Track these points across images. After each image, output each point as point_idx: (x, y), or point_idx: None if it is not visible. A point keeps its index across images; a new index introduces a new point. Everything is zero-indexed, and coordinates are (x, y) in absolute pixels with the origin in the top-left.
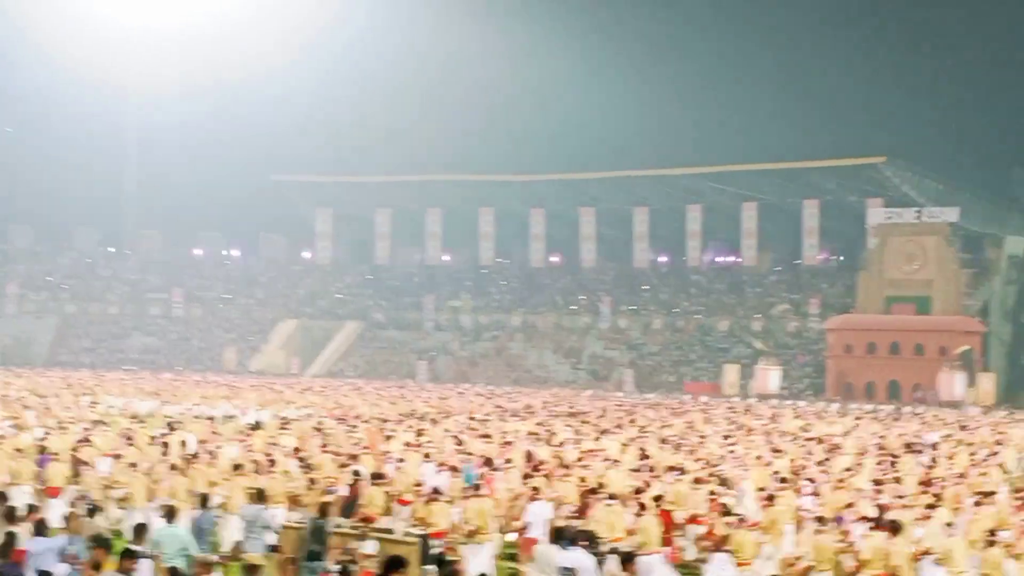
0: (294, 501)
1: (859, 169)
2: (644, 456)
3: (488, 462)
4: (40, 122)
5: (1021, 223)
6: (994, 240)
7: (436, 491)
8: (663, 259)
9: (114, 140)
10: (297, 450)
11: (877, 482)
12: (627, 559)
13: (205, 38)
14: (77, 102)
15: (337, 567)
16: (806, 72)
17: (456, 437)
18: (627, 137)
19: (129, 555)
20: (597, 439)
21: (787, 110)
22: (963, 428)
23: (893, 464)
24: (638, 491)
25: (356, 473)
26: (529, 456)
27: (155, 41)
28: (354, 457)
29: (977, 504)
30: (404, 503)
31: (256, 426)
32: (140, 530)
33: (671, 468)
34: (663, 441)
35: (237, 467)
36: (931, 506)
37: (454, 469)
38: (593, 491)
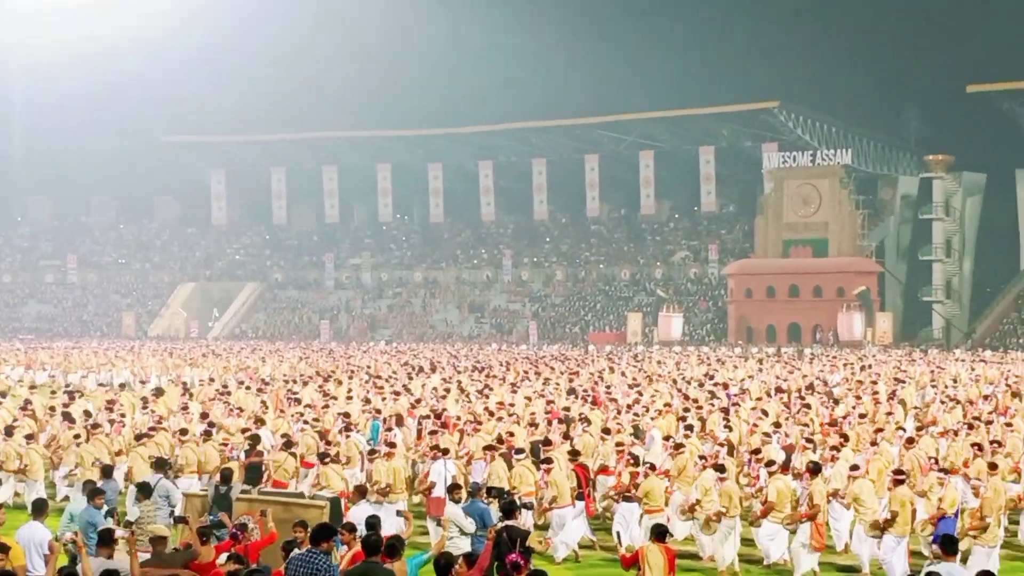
0: (201, 468)
1: (753, 114)
2: (551, 408)
3: (396, 420)
4: None
5: (913, 163)
6: (888, 180)
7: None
8: (563, 210)
9: None
10: (203, 416)
11: (778, 425)
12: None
13: (89, 2)
14: None
15: (232, 532)
16: (698, 19)
17: (364, 397)
18: (523, 89)
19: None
20: (513, 393)
21: (680, 58)
22: (864, 368)
23: (805, 406)
24: (548, 444)
25: (254, 439)
26: (436, 413)
27: (38, 5)
28: (259, 421)
29: (873, 444)
30: (308, 465)
31: (158, 392)
32: (40, 505)
33: (580, 419)
34: (570, 392)
35: (139, 437)
36: (835, 447)
37: (347, 428)
38: (493, 447)
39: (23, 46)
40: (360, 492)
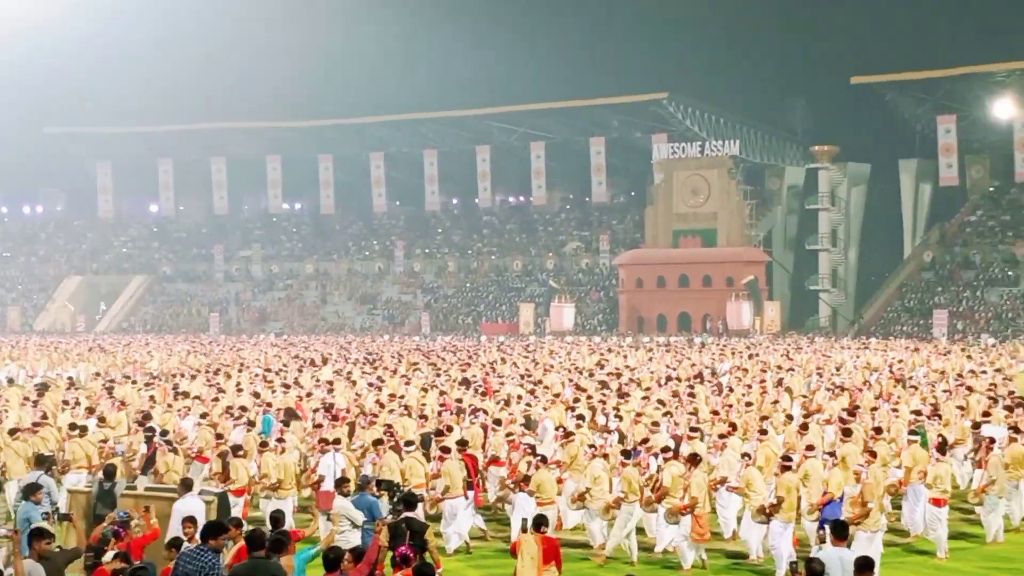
0: (88, 464)
1: (643, 106)
2: (443, 399)
3: (287, 414)
4: None
5: (799, 154)
6: (775, 171)
7: (236, 447)
8: (455, 201)
9: None
10: (89, 411)
11: (668, 413)
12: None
13: None
14: None
15: (114, 529)
16: (589, 11)
17: (253, 391)
18: (414, 80)
19: None
20: (404, 385)
21: (571, 49)
22: (751, 357)
23: (691, 395)
24: (440, 435)
25: (150, 431)
26: (325, 406)
27: None
28: (146, 416)
29: (763, 432)
30: (203, 460)
31: (43, 387)
32: None
33: (472, 411)
34: (462, 383)
35: (13, 432)
36: (723, 435)
37: (251, 424)
38: (382, 440)
39: None
40: (185, 486)
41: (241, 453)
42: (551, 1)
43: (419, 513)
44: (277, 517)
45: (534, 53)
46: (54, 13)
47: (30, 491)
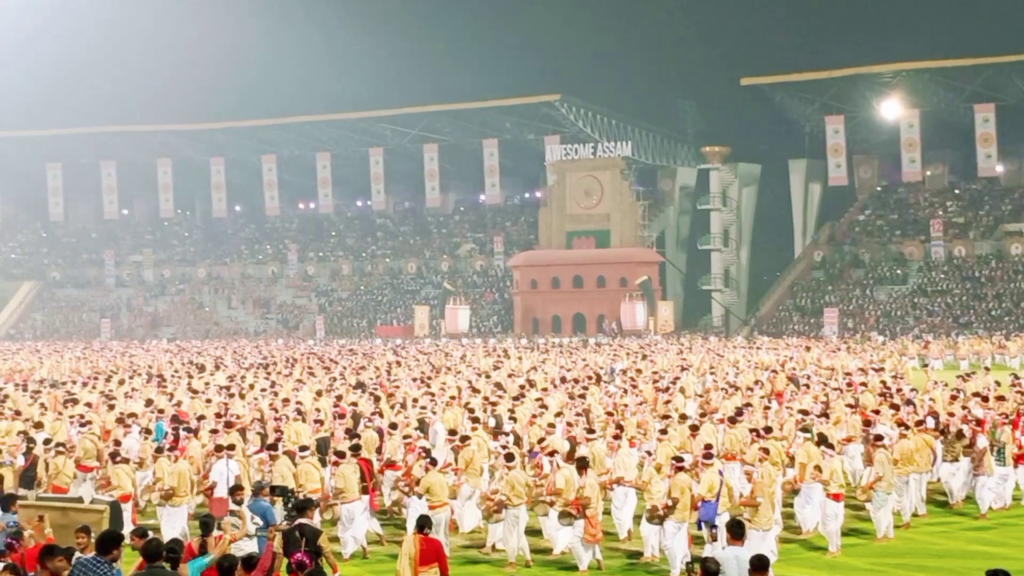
0: None
1: (535, 107)
2: (338, 403)
3: (180, 420)
4: None
5: (691, 155)
6: (667, 172)
7: (114, 454)
8: (348, 204)
9: None
10: None
11: (561, 414)
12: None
13: None
14: None
15: (8, 541)
16: (481, 12)
17: (147, 397)
18: (308, 82)
19: None
20: (295, 390)
21: (463, 51)
22: (645, 357)
23: (583, 396)
24: (336, 440)
25: (31, 441)
26: (218, 412)
27: None
28: (38, 425)
29: (663, 432)
30: (86, 469)
31: None
32: None
33: (372, 414)
34: (357, 387)
35: None
36: (616, 436)
37: (147, 431)
38: (274, 445)
39: None
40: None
41: (119, 460)
42: (444, 2)
43: (315, 519)
44: (207, 522)
45: (427, 55)
46: None
47: None
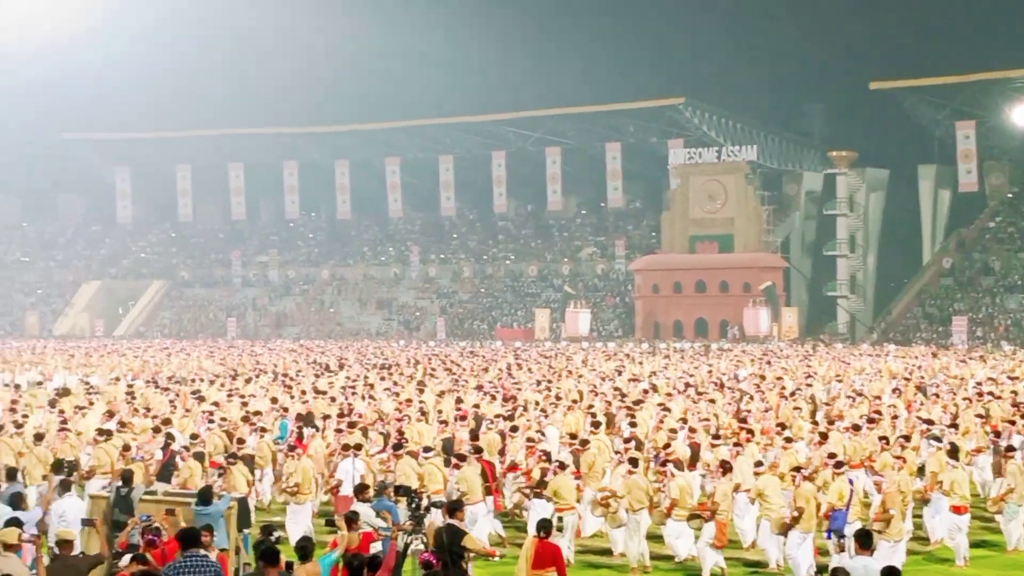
0: (111, 469)
1: (659, 111)
2: (460, 405)
3: (304, 418)
4: None
5: (817, 159)
6: (792, 176)
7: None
8: (470, 207)
9: None
10: (110, 414)
11: (685, 420)
12: (454, 508)
13: None
14: None
15: (149, 538)
16: (605, 15)
17: (271, 396)
18: (431, 86)
19: None
20: (418, 391)
21: (587, 54)
22: (769, 363)
23: (710, 401)
24: (459, 442)
25: (169, 437)
26: (344, 411)
27: None
28: (167, 421)
29: (789, 441)
30: (215, 466)
31: (63, 392)
32: None
33: (495, 417)
34: (478, 389)
35: (38, 437)
36: (738, 444)
37: (262, 430)
38: (399, 445)
39: None
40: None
41: (232, 461)
42: (569, 6)
43: (435, 520)
44: (351, 518)
45: (551, 58)
46: (74, 20)
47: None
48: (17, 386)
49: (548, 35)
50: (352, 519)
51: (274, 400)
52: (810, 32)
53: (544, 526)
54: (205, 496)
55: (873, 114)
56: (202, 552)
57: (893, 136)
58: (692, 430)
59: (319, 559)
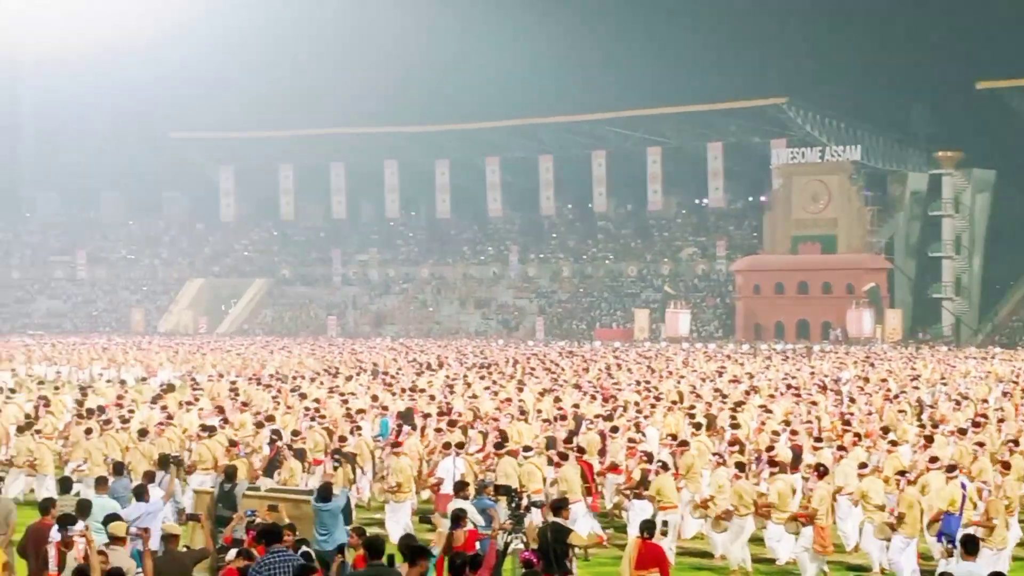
0: (214, 465)
1: (761, 110)
2: (559, 405)
3: (404, 416)
4: None
5: (922, 159)
6: (897, 177)
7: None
8: (569, 206)
9: (8, 102)
10: (219, 410)
11: (787, 423)
12: (559, 506)
13: None
14: None
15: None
16: (707, 14)
17: (371, 393)
18: (531, 85)
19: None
20: (518, 390)
21: (689, 53)
22: (872, 365)
23: (812, 403)
24: (558, 441)
25: (275, 433)
26: (444, 410)
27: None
28: (270, 418)
29: (895, 444)
30: (316, 463)
31: (168, 388)
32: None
33: (594, 417)
34: (577, 388)
35: (143, 432)
36: (842, 447)
37: (358, 428)
38: (500, 444)
39: (33, 42)
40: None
41: (338, 460)
42: (672, 4)
43: (536, 520)
44: (458, 515)
45: (653, 57)
46: (179, 21)
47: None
48: (123, 382)
49: (650, 34)
50: (460, 517)
51: (374, 398)
52: (915, 31)
53: (647, 527)
54: (325, 492)
55: (979, 114)
56: (285, 547)
57: (1000, 136)
58: (794, 432)
59: None
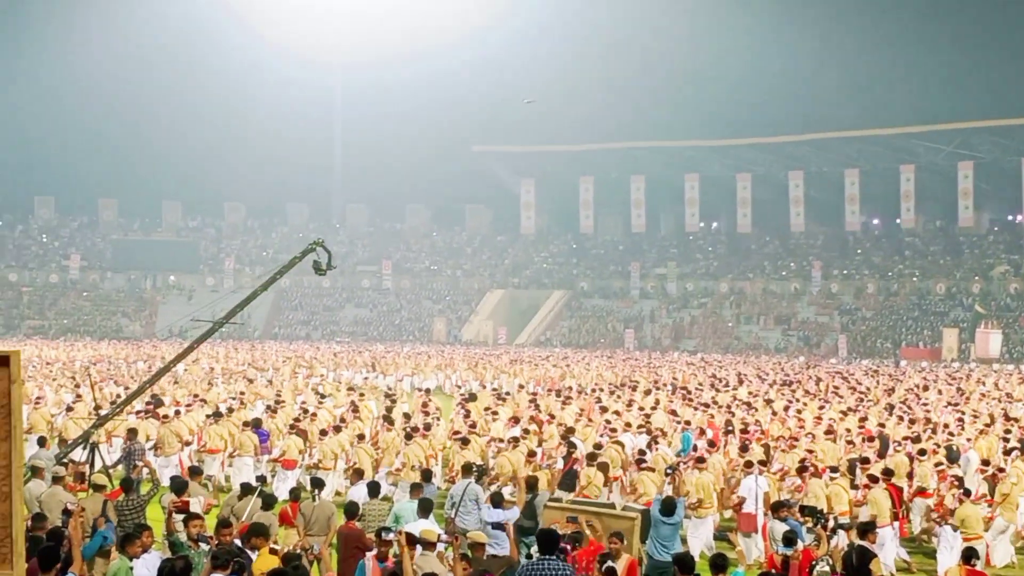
0: (513, 475)
1: None
2: (864, 426)
3: (704, 433)
4: (250, 100)
5: None
6: None
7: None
8: (875, 222)
9: (320, 117)
10: (515, 420)
11: None
12: (866, 529)
13: (404, 8)
14: (284, 78)
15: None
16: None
17: (671, 408)
18: (836, 98)
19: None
20: (821, 408)
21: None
22: None
23: None
24: (864, 463)
25: (572, 446)
26: (744, 427)
27: (356, 12)
28: (570, 430)
29: None
30: (613, 479)
31: (471, 397)
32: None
33: (905, 439)
34: (887, 409)
35: (457, 435)
36: None
37: (654, 440)
38: (804, 467)
39: (342, 54)
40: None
41: (644, 467)
42: (983, 15)
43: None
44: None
45: (965, 70)
46: (483, 38)
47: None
48: (427, 390)
49: (961, 47)
50: (792, 539)
51: (673, 412)
52: None
53: (972, 554)
54: (669, 506)
55: None
56: (556, 558)
57: None
58: None
59: (732, 573)
